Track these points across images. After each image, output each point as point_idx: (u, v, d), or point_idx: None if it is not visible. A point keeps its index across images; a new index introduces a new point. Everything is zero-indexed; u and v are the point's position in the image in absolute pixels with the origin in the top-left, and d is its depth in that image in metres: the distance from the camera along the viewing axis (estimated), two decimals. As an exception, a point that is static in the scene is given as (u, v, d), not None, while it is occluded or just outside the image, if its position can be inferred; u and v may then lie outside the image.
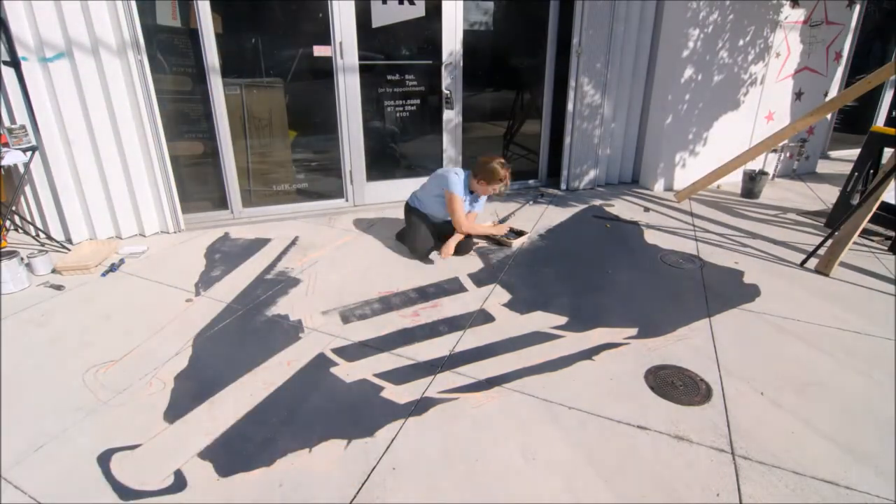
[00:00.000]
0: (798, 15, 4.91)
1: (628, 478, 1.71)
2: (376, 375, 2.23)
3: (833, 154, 6.65)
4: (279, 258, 3.42)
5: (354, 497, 1.64)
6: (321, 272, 3.23)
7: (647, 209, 4.53)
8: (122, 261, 3.35)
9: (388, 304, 2.85)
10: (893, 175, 3.29)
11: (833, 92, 5.48)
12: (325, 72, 4.04)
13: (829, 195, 4.87)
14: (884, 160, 3.84)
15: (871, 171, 3.91)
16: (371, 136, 4.40)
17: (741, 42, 4.76)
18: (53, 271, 3.17)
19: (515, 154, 5.25)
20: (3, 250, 2.99)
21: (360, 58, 4.06)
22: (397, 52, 4.33)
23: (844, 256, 3.26)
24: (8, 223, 3.52)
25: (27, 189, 3.53)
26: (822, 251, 3.34)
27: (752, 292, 3.00)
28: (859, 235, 3.45)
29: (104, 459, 1.77)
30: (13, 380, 2.19)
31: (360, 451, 1.82)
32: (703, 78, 4.77)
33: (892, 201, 3.67)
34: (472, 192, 3.48)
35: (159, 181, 3.69)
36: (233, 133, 3.95)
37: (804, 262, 3.37)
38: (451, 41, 4.31)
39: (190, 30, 3.64)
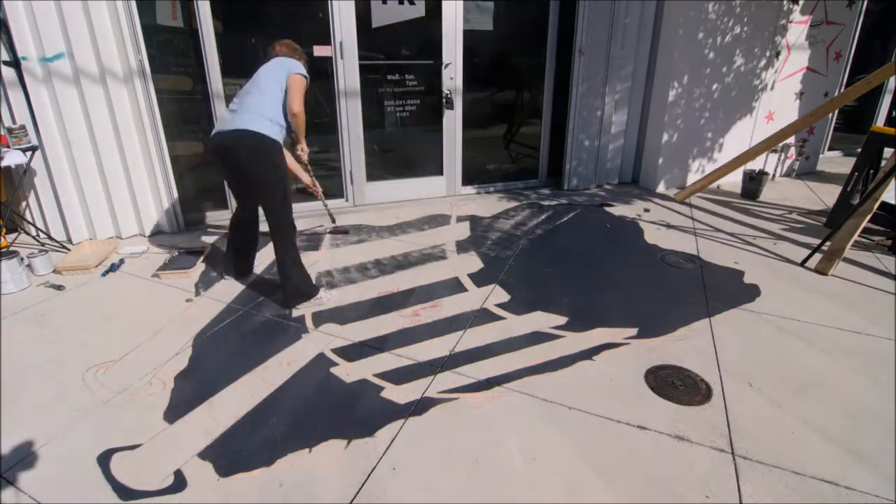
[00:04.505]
0: (798, 15, 4.91)
1: (628, 478, 1.71)
2: (376, 375, 2.23)
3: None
4: (279, 258, 3.42)
5: (354, 497, 1.64)
6: (321, 272, 3.23)
7: (647, 209, 4.53)
8: (122, 261, 3.35)
9: (388, 303, 2.85)
10: (893, 175, 3.29)
11: (833, 92, 5.48)
12: (325, 72, 4.04)
13: (829, 195, 4.87)
14: (884, 160, 3.84)
15: (871, 171, 3.91)
16: (371, 136, 4.40)
17: (742, 42, 4.76)
18: (54, 271, 3.17)
19: (516, 154, 5.25)
20: (3, 250, 2.99)
21: (361, 58, 4.06)
22: (397, 52, 4.33)
23: (845, 256, 3.26)
24: (20, 224, 3.52)
25: (27, 189, 3.53)
26: (822, 251, 3.34)
27: (752, 292, 3.00)
28: (859, 235, 3.45)
29: (104, 459, 1.77)
30: (13, 380, 2.19)
31: (360, 451, 1.82)
32: (703, 78, 4.77)
33: (892, 201, 3.67)
34: None
35: (159, 181, 3.69)
36: (233, 133, 3.95)
37: (804, 261, 3.37)
38: (451, 41, 4.31)
39: (190, 30, 3.64)
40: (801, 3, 4.83)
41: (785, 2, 4.76)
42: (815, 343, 2.49)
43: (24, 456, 1.78)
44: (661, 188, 5.12)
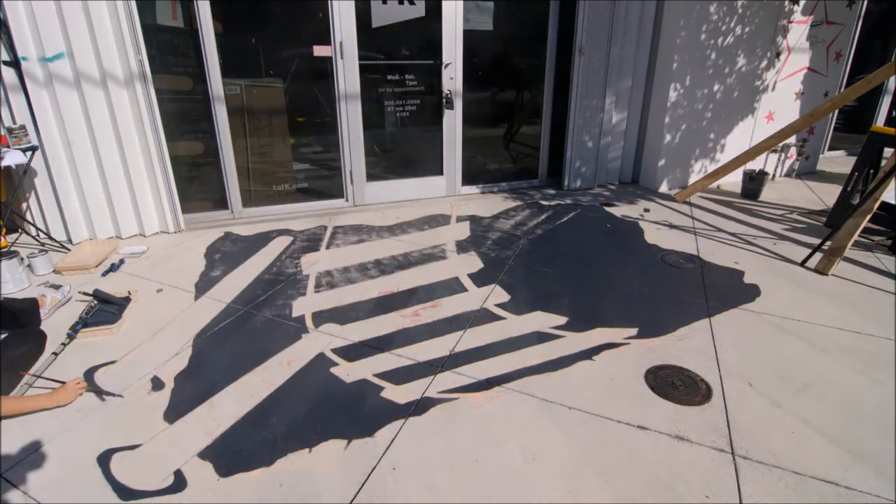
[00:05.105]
0: (798, 15, 4.91)
1: (628, 478, 1.71)
2: (376, 375, 2.23)
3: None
4: (279, 258, 3.42)
5: (354, 497, 1.64)
6: (321, 272, 3.23)
7: (647, 209, 4.53)
8: (122, 261, 3.34)
9: (388, 303, 2.85)
10: (893, 175, 3.29)
11: (833, 92, 5.48)
12: (325, 72, 4.04)
13: (829, 195, 4.87)
14: (884, 160, 3.84)
15: (871, 171, 3.91)
16: (371, 136, 4.40)
17: (742, 42, 4.76)
18: (54, 271, 3.17)
19: (516, 153, 5.25)
20: (3, 250, 2.99)
21: (361, 58, 4.06)
22: (397, 52, 4.33)
23: (845, 256, 3.26)
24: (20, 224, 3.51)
25: (27, 189, 3.53)
26: (822, 251, 3.34)
27: (752, 292, 3.00)
28: (859, 235, 3.45)
29: (104, 459, 1.77)
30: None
31: (360, 451, 1.82)
32: (703, 78, 4.77)
33: (892, 201, 3.67)
34: None
35: (159, 181, 3.69)
36: (233, 133, 3.96)
37: (804, 261, 3.37)
38: (451, 41, 4.31)
39: (190, 30, 3.64)
40: (801, 3, 4.83)
41: (786, 2, 4.76)
42: (815, 343, 2.49)
43: (25, 456, 1.78)
44: (661, 188, 5.11)
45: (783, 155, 5.44)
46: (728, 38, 4.69)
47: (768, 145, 4.39)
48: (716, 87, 4.87)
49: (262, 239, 3.75)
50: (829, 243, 3.33)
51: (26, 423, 1.93)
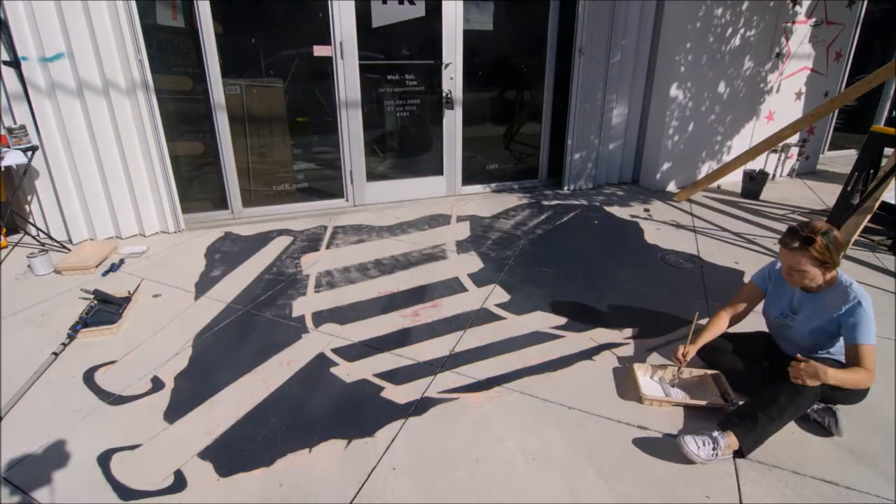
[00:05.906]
0: (799, 15, 4.91)
1: (628, 478, 1.71)
2: (376, 375, 2.23)
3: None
4: (279, 258, 3.42)
5: (354, 497, 1.64)
6: (321, 272, 3.23)
7: (647, 209, 4.53)
8: (122, 261, 3.35)
9: (388, 303, 2.85)
10: (893, 175, 3.30)
11: (834, 92, 5.48)
12: (325, 72, 4.04)
13: (829, 195, 4.87)
14: (884, 160, 3.83)
15: (871, 171, 3.90)
16: (371, 136, 4.40)
17: (742, 42, 4.76)
18: (55, 271, 3.17)
19: (516, 153, 5.25)
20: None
21: (361, 58, 4.06)
22: (397, 52, 4.33)
23: (845, 255, 3.26)
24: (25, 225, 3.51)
25: (28, 189, 3.53)
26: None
27: (752, 292, 3.00)
28: (860, 234, 3.45)
29: (104, 459, 1.77)
30: (13, 380, 2.18)
31: (361, 451, 1.82)
32: (703, 78, 4.77)
33: (893, 201, 3.67)
34: None
35: (159, 181, 3.69)
36: (233, 133, 3.96)
37: (804, 261, 3.36)
38: (451, 41, 4.31)
39: (190, 30, 3.64)
40: (805, 5, 4.82)
41: (788, 2, 4.76)
42: (815, 343, 2.48)
43: (25, 456, 1.78)
44: (661, 188, 5.11)
45: (783, 155, 5.44)
46: (727, 39, 4.69)
47: (768, 145, 4.38)
48: (716, 87, 4.87)
49: (262, 239, 3.75)
50: (829, 243, 3.33)
51: (27, 424, 1.94)
